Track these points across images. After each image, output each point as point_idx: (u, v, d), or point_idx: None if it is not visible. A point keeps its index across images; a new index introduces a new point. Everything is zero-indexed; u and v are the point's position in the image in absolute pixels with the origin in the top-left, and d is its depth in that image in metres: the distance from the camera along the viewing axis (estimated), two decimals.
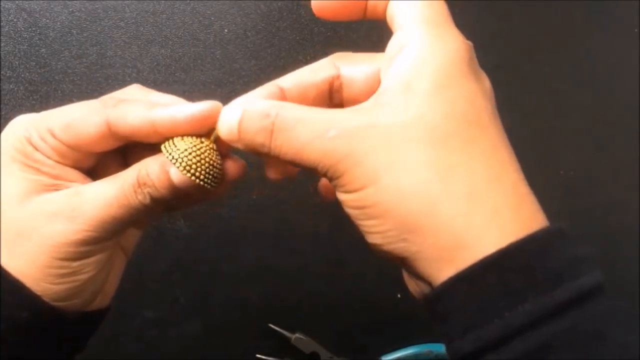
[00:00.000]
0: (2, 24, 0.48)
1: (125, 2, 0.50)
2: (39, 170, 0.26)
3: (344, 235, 0.50)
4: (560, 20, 0.54)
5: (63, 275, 0.25)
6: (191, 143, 0.26)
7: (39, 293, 0.25)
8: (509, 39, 0.53)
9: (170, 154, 0.26)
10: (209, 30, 0.50)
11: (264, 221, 0.50)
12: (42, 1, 0.49)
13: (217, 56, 0.50)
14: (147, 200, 0.26)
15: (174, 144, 0.26)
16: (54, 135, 0.26)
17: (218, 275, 0.49)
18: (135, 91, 0.28)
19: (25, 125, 0.26)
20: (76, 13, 0.49)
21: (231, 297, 0.49)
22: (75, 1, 0.49)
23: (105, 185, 0.26)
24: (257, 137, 0.24)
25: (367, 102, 0.24)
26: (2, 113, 0.47)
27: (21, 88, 0.48)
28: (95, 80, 0.49)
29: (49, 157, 0.26)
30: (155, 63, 0.50)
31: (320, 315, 0.49)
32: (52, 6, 0.49)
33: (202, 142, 0.26)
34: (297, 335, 0.48)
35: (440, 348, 0.49)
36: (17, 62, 0.48)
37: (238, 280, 0.49)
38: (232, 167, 0.28)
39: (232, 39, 0.50)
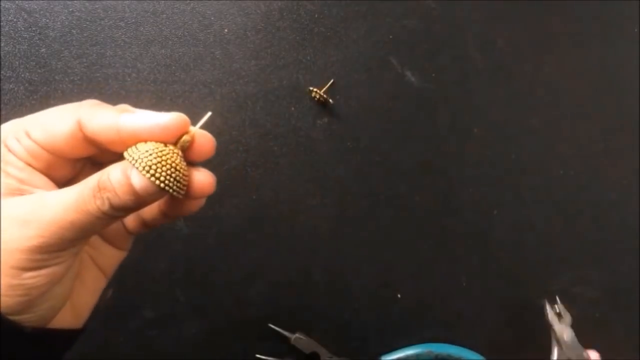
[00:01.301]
0: (2, 24, 0.48)
1: (125, 2, 0.50)
2: (7, 173, 0.25)
3: (344, 236, 0.50)
4: (560, 20, 0.54)
5: (13, 287, 0.24)
6: (154, 146, 0.25)
7: None
8: (508, 39, 0.53)
9: (131, 155, 0.25)
10: (209, 30, 0.50)
11: (264, 221, 0.50)
12: (42, 1, 0.49)
13: (217, 56, 0.50)
14: (106, 207, 0.24)
15: (136, 148, 0.25)
16: (29, 136, 0.26)
17: (218, 275, 0.49)
18: (123, 105, 0.28)
19: (6, 128, 0.26)
20: (76, 13, 0.49)
21: (231, 297, 0.49)
22: (75, 1, 0.49)
23: (66, 191, 0.25)
24: None
25: None
26: (2, 113, 0.47)
27: (21, 88, 0.48)
28: (95, 80, 0.49)
29: (20, 159, 0.26)
30: (155, 63, 0.50)
31: (320, 315, 0.49)
32: (52, 6, 0.49)
33: (166, 147, 0.26)
34: (297, 335, 0.48)
35: (440, 348, 0.49)
36: (17, 62, 0.48)
37: (238, 280, 0.49)
38: (200, 177, 0.27)
39: (232, 39, 0.50)
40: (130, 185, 0.24)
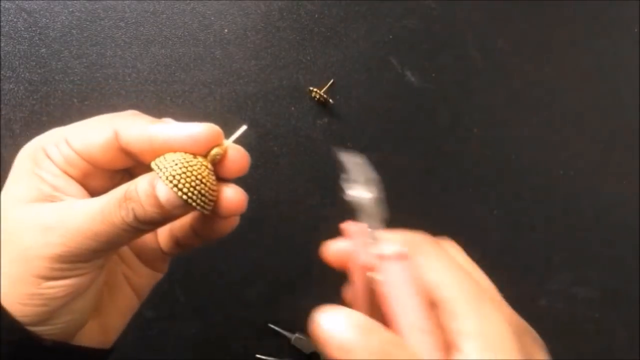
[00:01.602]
0: (2, 24, 0.48)
1: (125, 2, 0.50)
2: (41, 179, 0.25)
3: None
4: (560, 20, 0.54)
5: (32, 296, 0.23)
6: (181, 156, 0.24)
7: (8, 309, 0.23)
8: (508, 39, 0.53)
9: (157, 165, 0.24)
10: (209, 30, 0.50)
11: (264, 221, 0.50)
12: (42, 1, 0.49)
13: (217, 56, 0.50)
14: (130, 218, 0.24)
15: (164, 158, 0.24)
16: (68, 144, 0.25)
17: (218, 275, 0.49)
18: (166, 119, 0.27)
19: (47, 135, 0.26)
20: (76, 13, 0.49)
21: (231, 297, 0.49)
22: (75, 1, 0.49)
23: (95, 200, 0.25)
24: None
25: None
26: (2, 113, 0.47)
27: (21, 88, 0.48)
28: (95, 80, 0.49)
29: (57, 166, 0.25)
30: (155, 63, 0.50)
31: None
32: (52, 6, 0.49)
33: (195, 158, 0.24)
34: (297, 335, 0.48)
35: None
36: (17, 62, 0.48)
37: (238, 280, 0.49)
38: (230, 193, 0.26)
39: (232, 39, 0.50)
40: (155, 197, 0.23)
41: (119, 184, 0.26)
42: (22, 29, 0.49)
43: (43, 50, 0.49)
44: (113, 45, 0.49)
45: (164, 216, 0.24)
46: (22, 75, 0.48)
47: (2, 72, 0.48)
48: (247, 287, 0.49)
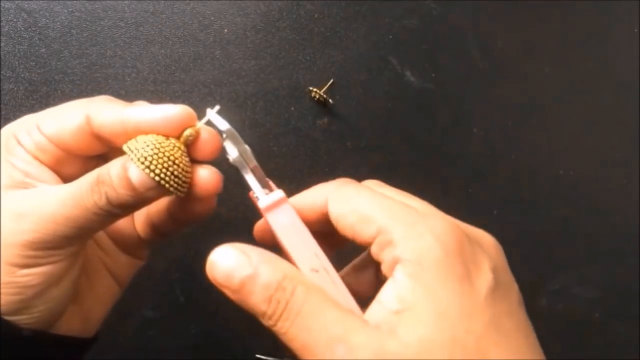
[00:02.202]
0: (2, 24, 0.48)
1: (125, 2, 0.50)
2: (13, 166, 0.25)
3: None
4: (560, 20, 0.54)
5: (6, 284, 0.23)
6: (154, 138, 0.24)
7: None
8: (508, 39, 0.53)
9: (129, 147, 0.24)
10: (208, 30, 0.50)
11: None
12: (42, 1, 0.49)
13: (217, 56, 0.50)
14: (103, 202, 0.23)
15: (136, 140, 0.24)
16: (40, 130, 0.25)
17: None
18: (140, 102, 0.27)
19: (19, 121, 0.26)
20: (76, 13, 0.49)
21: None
22: (75, 1, 0.49)
23: (67, 185, 0.24)
24: (260, 304, 0.23)
25: (377, 321, 0.21)
26: (2, 113, 0.47)
27: (21, 88, 0.48)
28: (95, 80, 0.49)
29: (29, 152, 0.25)
30: (155, 63, 0.50)
31: None
32: (52, 6, 0.49)
33: (167, 139, 0.24)
34: None
35: None
36: (17, 62, 0.48)
37: None
38: (204, 174, 0.26)
39: (232, 39, 0.50)
40: (128, 179, 0.23)
41: (93, 170, 0.26)
42: (22, 29, 0.49)
43: (43, 50, 0.49)
44: (113, 45, 0.49)
45: (137, 199, 0.24)
46: (22, 75, 0.48)
47: (2, 72, 0.48)
48: None
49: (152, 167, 0.23)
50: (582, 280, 0.52)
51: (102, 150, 0.27)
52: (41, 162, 0.26)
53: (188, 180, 0.25)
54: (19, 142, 0.25)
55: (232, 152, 0.26)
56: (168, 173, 0.23)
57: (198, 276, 0.49)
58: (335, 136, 0.51)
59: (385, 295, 0.22)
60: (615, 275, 0.52)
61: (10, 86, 0.48)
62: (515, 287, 0.24)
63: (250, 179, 0.26)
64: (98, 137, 0.26)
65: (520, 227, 0.52)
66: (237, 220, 0.49)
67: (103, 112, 0.25)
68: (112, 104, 0.25)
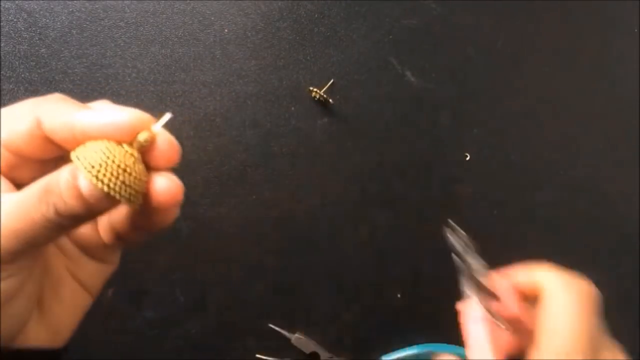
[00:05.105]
0: (2, 24, 0.48)
1: (125, 2, 0.50)
2: None
3: (344, 236, 0.50)
4: (560, 20, 0.54)
5: None
6: (104, 144, 0.22)
7: None
8: (508, 39, 0.53)
9: (76, 155, 0.22)
10: (209, 30, 0.50)
11: (264, 221, 0.50)
12: (42, 1, 0.49)
13: (217, 56, 0.50)
14: (50, 213, 0.21)
15: (84, 146, 0.22)
16: None
17: (218, 275, 0.49)
18: (103, 101, 0.25)
19: None
20: (76, 13, 0.49)
21: (231, 297, 0.49)
22: (75, 1, 0.49)
23: (14, 195, 0.22)
24: None
25: None
26: None
27: (21, 88, 0.48)
28: (95, 80, 0.49)
29: None
30: (155, 63, 0.50)
31: (320, 315, 0.49)
32: (52, 6, 0.49)
33: (119, 146, 0.22)
34: (297, 335, 0.48)
35: (440, 348, 0.49)
36: (17, 62, 0.48)
37: (238, 280, 0.49)
38: (161, 183, 0.23)
39: (232, 39, 0.50)
40: (77, 189, 0.21)
41: (48, 174, 0.24)
42: (22, 29, 0.49)
43: (43, 50, 0.49)
44: (113, 45, 0.49)
45: (88, 210, 0.22)
46: (22, 75, 0.48)
47: (2, 72, 0.48)
48: (247, 287, 0.49)
49: (101, 176, 0.21)
50: None
51: (57, 153, 0.24)
52: None
53: (142, 190, 0.23)
54: None
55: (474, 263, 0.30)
56: (118, 182, 0.21)
57: (198, 276, 0.49)
58: (335, 136, 0.51)
59: None
60: (615, 275, 0.52)
61: (10, 86, 0.48)
62: None
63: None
64: (50, 141, 0.24)
65: (520, 227, 0.52)
66: (237, 220, 0.49)
67: (54, 115, 0.23)
68: (64, 106, 0.23)
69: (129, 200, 0.22)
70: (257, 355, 0.48)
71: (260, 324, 0.48)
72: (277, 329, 0.48)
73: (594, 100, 0.54)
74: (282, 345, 0.48)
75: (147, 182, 0.23)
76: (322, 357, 0.48)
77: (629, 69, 0.54)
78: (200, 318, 0.48)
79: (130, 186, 0.22)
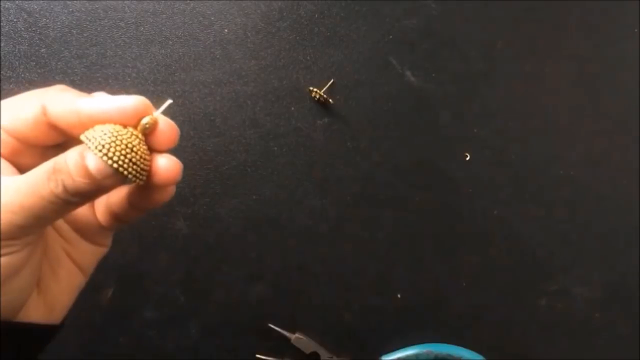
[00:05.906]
0: (2, 24, 0.48)
1: (125, 2, 0.50)
2: None
3: (344, 235, 0.50)
4: (560, 21, 0.54)
5: None
6: (111, 127, 0.24)
7: None
8: (507, 39, 0.53)
9: (86, 136, 0.24)
10: (209, 30, 0.50)
11: (264, 221, 0.50)
12: (42, 1, 0.49)
13: (217, 56, 0.50)
14: (59, 189, 0.23)
15: (94, 129, 0.24)
16: None
17: (218, 275, 0.49)
18: (99, 93, 0.27)
19: None
20: (76, 13, 0.49)
21: (231, 297, 0.49)
22: (75, 1, 0.49)
23: (23, 175, 0.24)
24: None
25: None
26: None
27: (21, 88, 0.48)
28: (95, 80, 0.49)
29: None
30: (155, 63, 0.50)
31: (320, 315, 0.49)
32: (52, 6, 0.49)
33: (125, 128, 0.24)
34: (297, 335, 0.48)
35: (440, 348, 0.49)
36: (17, 62, 0.48)
37: (238, 280, 0.49)
38: (163, 162, 0.26)
39: (232, 39, 0.50)
40: (85, 167, 0.23)
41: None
42: (22, 29, 0.49)
43: (43, 50, 0.49)
44: (113, 45, 0.49)
45: (95, 187, 0.24)
46: (22, 75, 0.48)
47: (2, 72, 0.48)
48: (247, 287, 0.49)
49: (110, 154, 0.23)
50: (582, 280, 0.52)
51: (60, 140, 0.27)
52: None
53: (147, 168, 0.25)
54: None
55: None
56: (126, 160, 0.24)
57: (198, 276, 0.49)
58: (335, 136, 0.51)
59: None
60: (615, 275, 0.52)
61: (10, 86, 0.48)
62: None
63: None
64: (54, 128, 0.26)
65: (520, 226, 0.52)
66: (237, 220, 0.49)
67: (58, 102, 0.25)
68: (67, 94, 0.25)
69: (135, 177, 0.24)
70: (257, 355, 0.48)
71: (260, 324, 0.48)
72: (277, 329, 0.48)
73: (594, 100, 0.54)
74: (282, 345, 0.48)
75: (150, 161, 0.25)
76: (322, 357, 0.48)
77: (629, 69, 0.54)
78: (200, 318, 0.48)
79: (136, 164, 0.24)
